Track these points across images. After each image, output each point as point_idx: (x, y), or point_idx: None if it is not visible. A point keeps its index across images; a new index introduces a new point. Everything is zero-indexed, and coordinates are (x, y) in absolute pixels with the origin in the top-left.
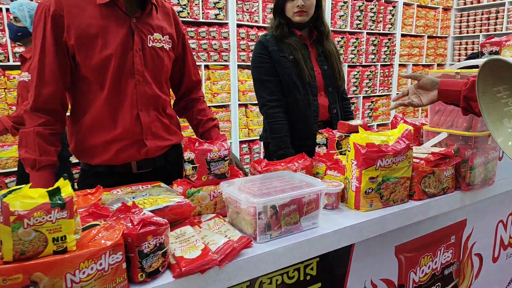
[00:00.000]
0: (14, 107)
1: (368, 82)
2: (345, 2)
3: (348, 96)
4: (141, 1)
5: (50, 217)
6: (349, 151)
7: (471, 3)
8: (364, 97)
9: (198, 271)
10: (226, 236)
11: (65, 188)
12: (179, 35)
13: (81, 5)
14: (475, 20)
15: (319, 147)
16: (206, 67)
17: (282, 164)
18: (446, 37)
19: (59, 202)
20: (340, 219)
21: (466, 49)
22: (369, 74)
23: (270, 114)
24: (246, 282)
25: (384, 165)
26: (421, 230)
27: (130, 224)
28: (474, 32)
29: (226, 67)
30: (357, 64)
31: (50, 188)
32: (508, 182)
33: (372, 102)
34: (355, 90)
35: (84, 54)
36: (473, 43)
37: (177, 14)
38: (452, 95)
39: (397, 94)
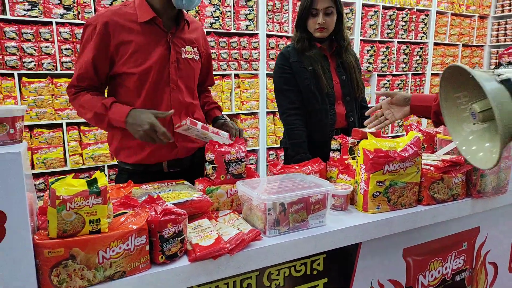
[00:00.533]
0: (60, 112)
1: (399, 92)
2: (375, 12)
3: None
4: (176, 19)
5: (88, 202)
6: (359, 156)
7: (509, 10)
8: None
9: (210, 257)
10: (238, 229)
11: (101, 179)
12: (206, 47)
13: (124, 23)
14: None
15: (333, 152)
16: (236, 75)
17: (297, 167)
18: (482, 45)
19: (95, 190)
20: (348, 219)
21: None
22: (400, 83)
23: (289, 121)
24: (255, 272)
25: (392, 170)
26: (430, 235)
27: (154, 213)
28: None
29: (255, 76)
30: (387, 73)
31: (88, 179)
32: None
33: None
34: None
35: (127, 66)
36: None
37: (210, 25)
38: (423, 110)
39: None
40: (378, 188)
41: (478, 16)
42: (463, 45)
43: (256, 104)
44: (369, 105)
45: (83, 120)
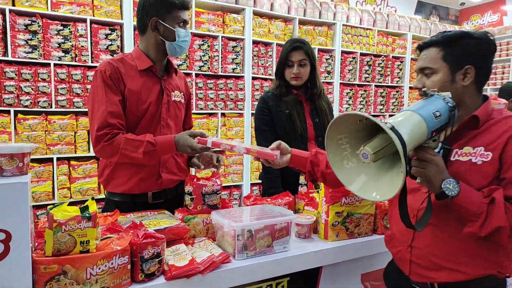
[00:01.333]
0: (51, 147)
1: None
2: (353, 58)
3: None
4: (167, 67)
5: (80, 226)
6: (320, 189)
7: None
8: None
9: (184, 276)
10: (210, 252)
11: (92, 206)
12: (187, 91)
13: (127, 71)
14: None
15: (301, 186)
16: (223, 114)
17: (269, 199)
18: None
19: (87, 215)
20: (309, 246)
21: None
22: None
23: None
24: None
25: (348, 202)
26: (385, 261)
27: (136, 236)
28: None
29: (240, 115)
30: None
31: (82, 206)
32: None
33: None
34: None
35: (130, 105)
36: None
37: (199, 68)
38: (300, 160)
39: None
40: (337, 218)
41: None
42: None
43: (241, 142)
44: None
45: (73, 155)
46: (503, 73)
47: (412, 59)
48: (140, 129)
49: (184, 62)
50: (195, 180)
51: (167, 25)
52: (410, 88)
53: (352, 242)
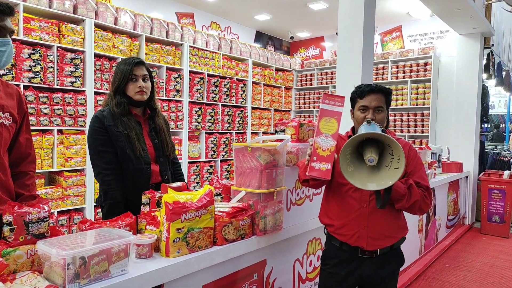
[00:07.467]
0: None
1: (225, 147)
2: (201, 78)
3: (206, 159)
4: None
5: None
6: (162, 208)
7: (306, 85)
8: (221, 161)
9: None
10: (34, 287)
11: None
12: (21, 112)
13: None
14: (309, 99)
15: (143, 206)
16: (60, 131)
17: (108, 222)
18: (289, 110)
19: None
20: (150, 265)
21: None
22: (225, 140)
23: (105, 181)
24: None
25: (189, 218)
26: (225, 270)
27: None
28: (309, 108)
29: (82, 132)
30: (214, 131)
31: None
32: (294, 228)
33: (229, 165)
34: (213, 155)
35: None
36: (309, 116)
37: (29, 80)
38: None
39: None
40: (177, 234)
41: (284, 87)
42: (275, 110)
43: (82, 161)
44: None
45: None
46: None
47: (253, 82)
48: None
49: (9, 72)
50: (16, 208)
51: None
52: (253, 108)
53: (193, 256)
